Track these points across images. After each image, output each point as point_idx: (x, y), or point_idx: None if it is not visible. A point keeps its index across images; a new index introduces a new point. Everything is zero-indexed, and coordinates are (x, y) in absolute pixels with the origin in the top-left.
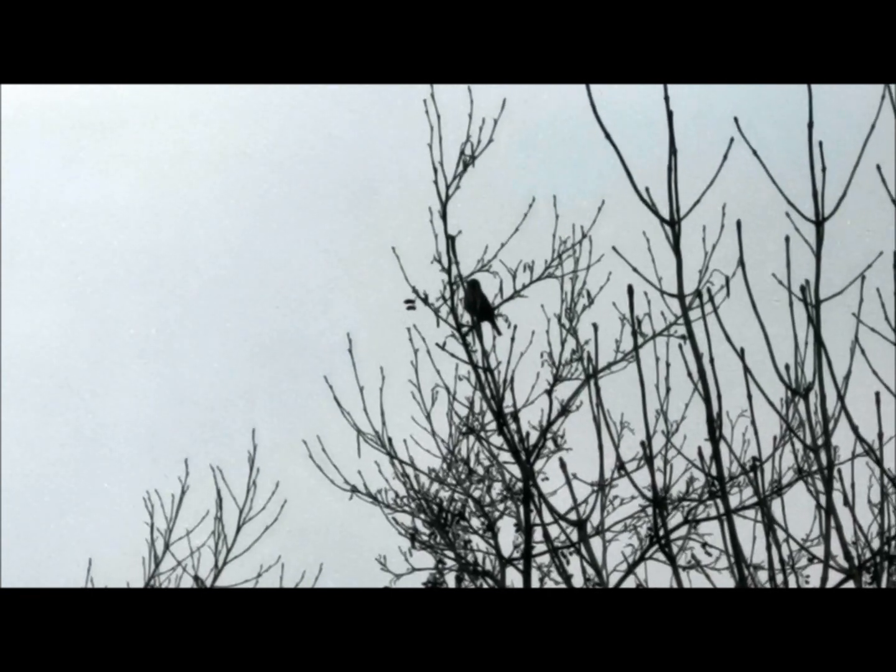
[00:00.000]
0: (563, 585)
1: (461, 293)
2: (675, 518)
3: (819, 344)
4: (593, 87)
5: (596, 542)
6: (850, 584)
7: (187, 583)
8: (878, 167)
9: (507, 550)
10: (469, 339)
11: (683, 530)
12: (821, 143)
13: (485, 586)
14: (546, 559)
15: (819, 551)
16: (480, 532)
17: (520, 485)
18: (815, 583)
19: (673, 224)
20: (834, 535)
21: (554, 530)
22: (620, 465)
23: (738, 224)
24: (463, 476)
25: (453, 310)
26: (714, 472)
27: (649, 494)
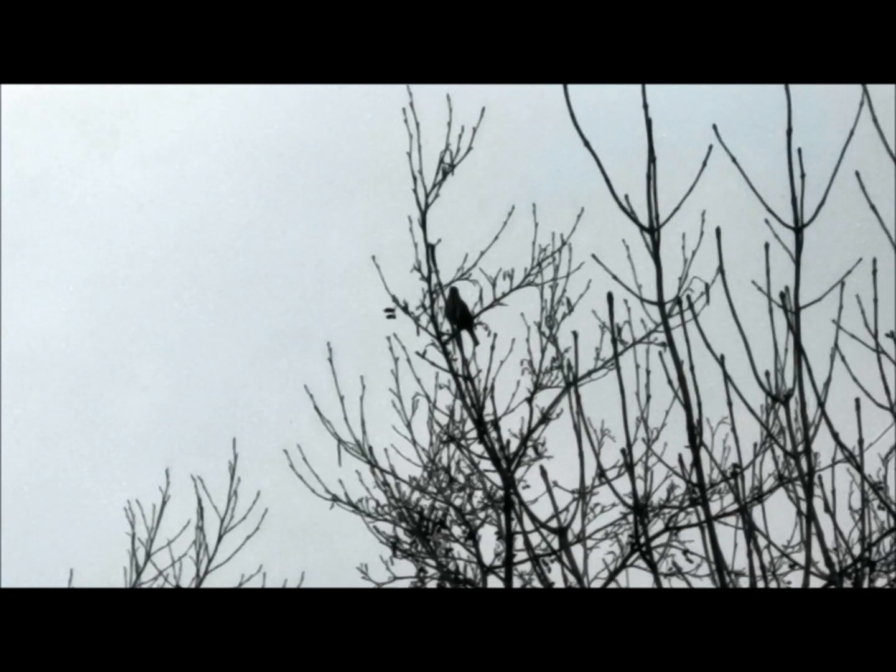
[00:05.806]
0: None
1: (441, 301)
2: (656, 525)
3: (799, 350)
4: (572, 92)
5: (577, 550)
6: None
7: None
8: (857, 174)
9: (488, 559)
10: (449, 347)
11: (664, 537)
12: (799, 150)
13: None
14: (527, 567)
15: (800, 558)
16: (461, 540)
17: (500, 493)
18: None
19: (652, 231)
20: (815, 541)
21: (535, 538)
22: (601, 473)
23: (718, 231)
24: (444, 484)
25: (433, 318)
26: (695, 479)
27: (630, 502)
